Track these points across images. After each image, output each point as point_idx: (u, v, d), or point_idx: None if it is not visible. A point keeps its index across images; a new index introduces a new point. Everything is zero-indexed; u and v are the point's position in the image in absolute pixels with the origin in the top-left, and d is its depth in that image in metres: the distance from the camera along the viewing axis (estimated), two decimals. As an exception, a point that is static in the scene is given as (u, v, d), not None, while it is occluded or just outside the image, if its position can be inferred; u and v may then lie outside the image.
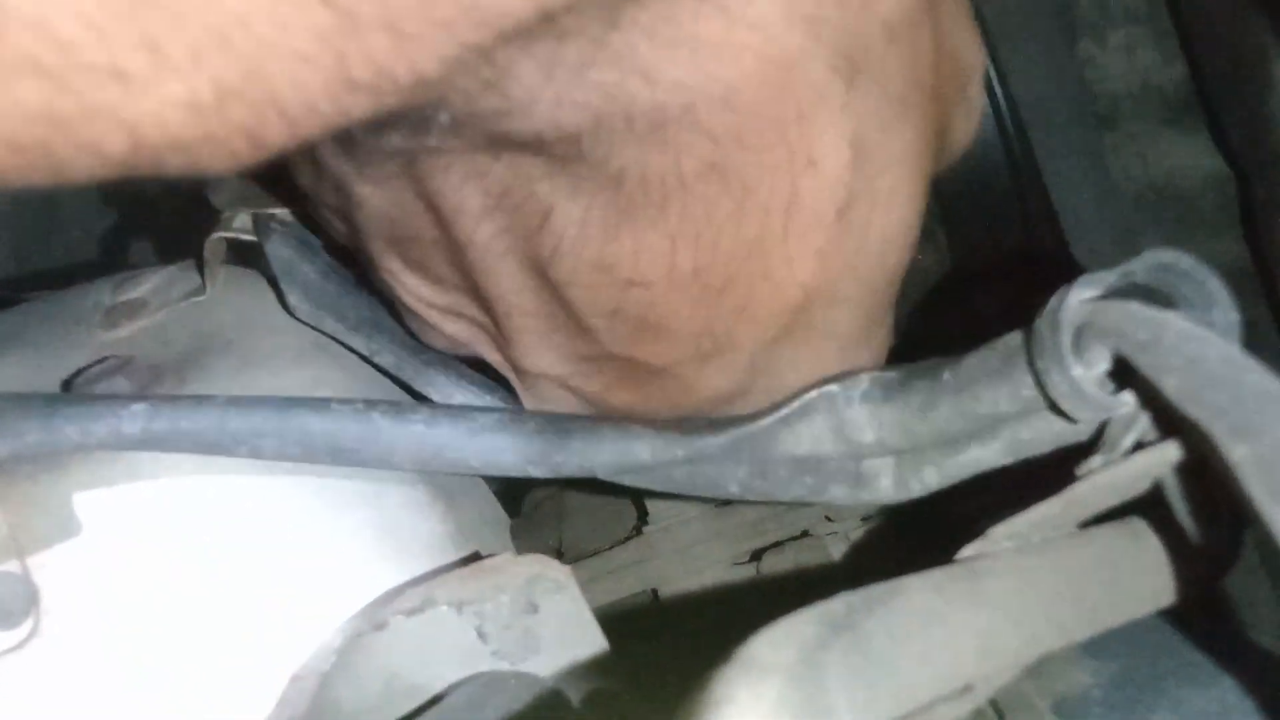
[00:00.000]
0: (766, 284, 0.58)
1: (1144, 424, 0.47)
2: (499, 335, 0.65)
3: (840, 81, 0.53)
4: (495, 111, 0.49)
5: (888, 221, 0.58)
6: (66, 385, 0.67)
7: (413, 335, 0.72)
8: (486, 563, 0.60)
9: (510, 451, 0.62)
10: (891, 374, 0.57)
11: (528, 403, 0.68)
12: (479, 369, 0.72)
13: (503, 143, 0.53)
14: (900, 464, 0.57)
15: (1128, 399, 0.47)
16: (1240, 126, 0.98)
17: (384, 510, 0.66)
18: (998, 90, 0.93)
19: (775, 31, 0.50)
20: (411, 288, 0.66)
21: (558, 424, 0.62)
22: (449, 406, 0.66)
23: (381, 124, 0.50)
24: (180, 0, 0.34)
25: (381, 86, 0.39)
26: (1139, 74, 1.10)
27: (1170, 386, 0.42)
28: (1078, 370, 0.48)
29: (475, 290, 0.63)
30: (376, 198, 0.60)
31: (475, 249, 0.60)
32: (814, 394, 0.58)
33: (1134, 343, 0.44)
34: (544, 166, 0.54)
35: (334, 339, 0.73)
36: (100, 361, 0.69)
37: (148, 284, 0.76)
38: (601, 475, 0.62)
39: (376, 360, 0.72)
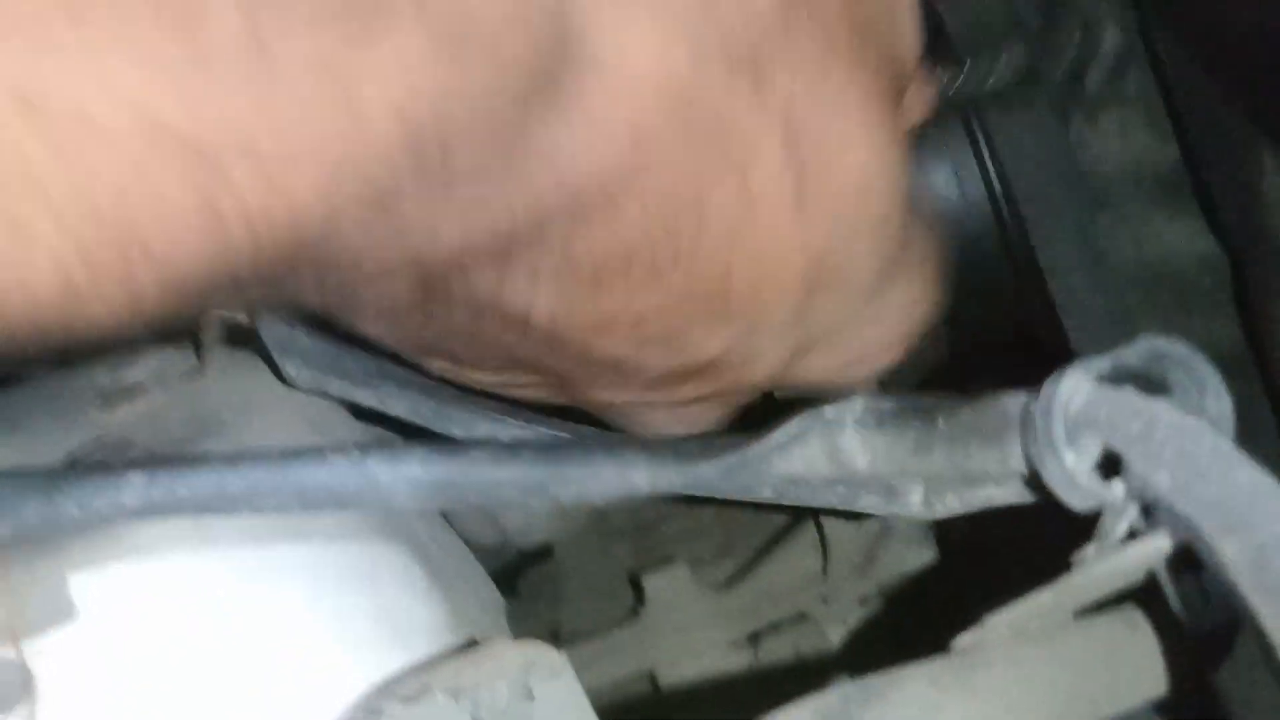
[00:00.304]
0: (762, 265, 0.58)
1: (1135, 513, 0.47)
2: (564, 389, 0.66)
3: (745, 77, 0.53)
4: (399, 233, 0.49)
5: (851, 164, 0.58)
6: (64, 470, 0.67)
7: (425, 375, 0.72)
8: (483, 648, 0.60)
9: (508, 485, 0.63)
10: (886, 403, 0.57)
11: (631, 430, 0.68)
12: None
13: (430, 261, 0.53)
14: (928, 485, 0.57)
15: (1119, 488, 0.48)
16: (1234, 210, 0.98)
17: (380, 594, 0.66)
18: (992, 176, 0.94)
19: (659, 65, 0.50)
20: (469, 379, 0.67)
21: (553, 455, 0.63)
22: (444, 444, 0.66)
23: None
24: (38, 167, 0.34)
25: (258, 226, 0.39)
26: (1132, 155, 1.11)
27: (1162, 480, 0.42)
28: (1070, 459, 0.48)
29: (531, 366, 0.63)
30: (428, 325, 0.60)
31: (501, 349, 0.60)
32: (806, 418, 0.58)
33: (1126, 435, 0.44)
34: (492, 268, 0.54)
35: (342, 400, 0.73)
36: (97, 443, 0.69)
37: (144, 366, 0.76)
38: (599, 503, 0.62)
39: (389, 410, 0.72)
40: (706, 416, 0.67)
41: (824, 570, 0.98)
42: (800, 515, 1.02)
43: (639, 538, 1.13)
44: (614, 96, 0.49)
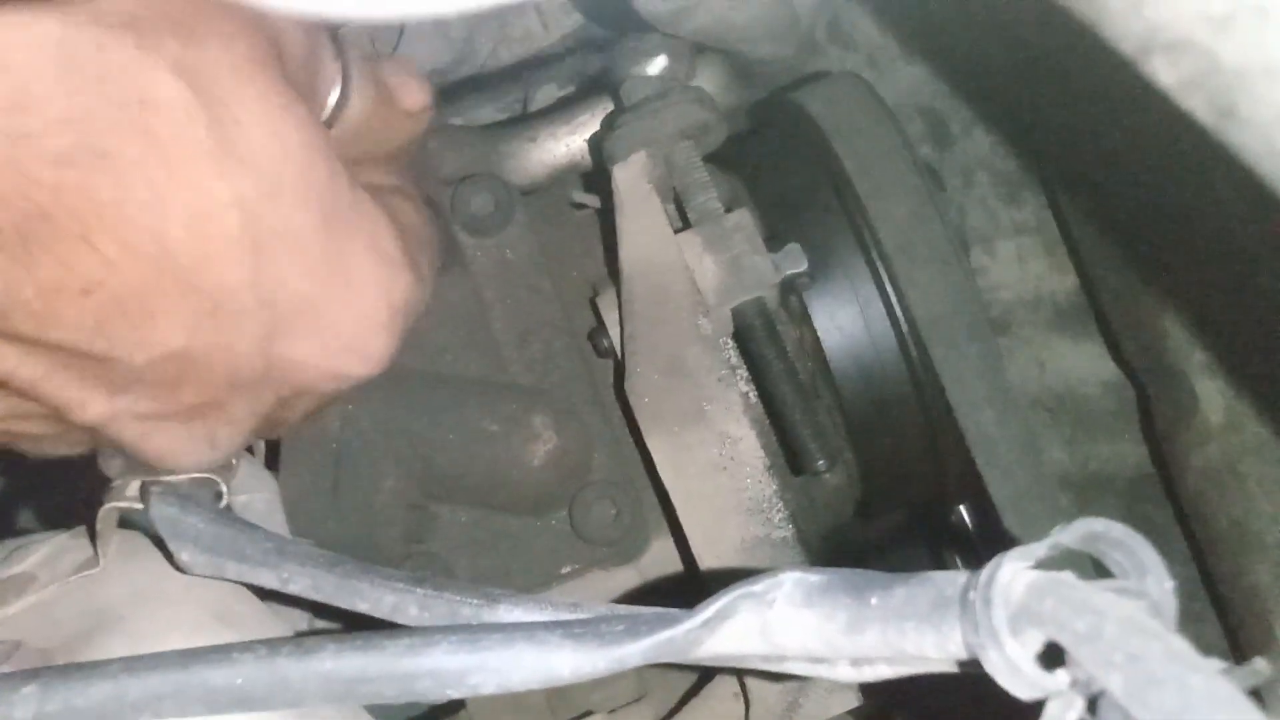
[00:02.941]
0: (196, 222, 0.60)
1: (1081, 707, 0.46)
2: (58, 414, 0.66)
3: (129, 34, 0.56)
4: None
5: (263, 125, 0.61)
6: (-50, 675, 0.63)
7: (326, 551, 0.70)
8: None
9: (426, 677, 0.60)
10: (814, 577, 0.56)
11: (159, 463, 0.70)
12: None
13: None
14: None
15: (1063, 678, 0.46)
16: (1134, 341, 0.99)
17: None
18: (896, 310, 0.94)
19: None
20: None
21: (473, 642, 0.60)
22: (358, 636, 0.63)
23: None
24: None
25: None
26: (1030, 284, 1.12)
27: (1114, 684, 0.41)
28: (1013, 650, 0.47)
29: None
30: None
31: None
32: (734, 595, 0.56)
33: (1073, 633, 0.43)
34: None
35: (240, 582, 0.70)
36: (-13, 649, 0.65)
37: (36, 555, 0.73)
38: (519, 691, 0.60)
39: (290, 589, 0.69)
40: (227, 433, 0.69)
41: (745, 719, 0.96)
42: (719, 661, 1.00)
43: (553, 687, 1.10)
44: None
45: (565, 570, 0.96)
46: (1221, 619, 0.95)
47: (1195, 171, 0.80)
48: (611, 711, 1.04)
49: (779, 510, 0.89)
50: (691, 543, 0.90)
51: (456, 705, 1.09)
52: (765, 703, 0.94)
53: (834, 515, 1.00)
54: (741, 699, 0.96)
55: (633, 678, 1.08)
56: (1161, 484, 1.05)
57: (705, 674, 1.02)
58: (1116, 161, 0.91)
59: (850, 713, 0.96)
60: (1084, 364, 1.10)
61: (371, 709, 0.80)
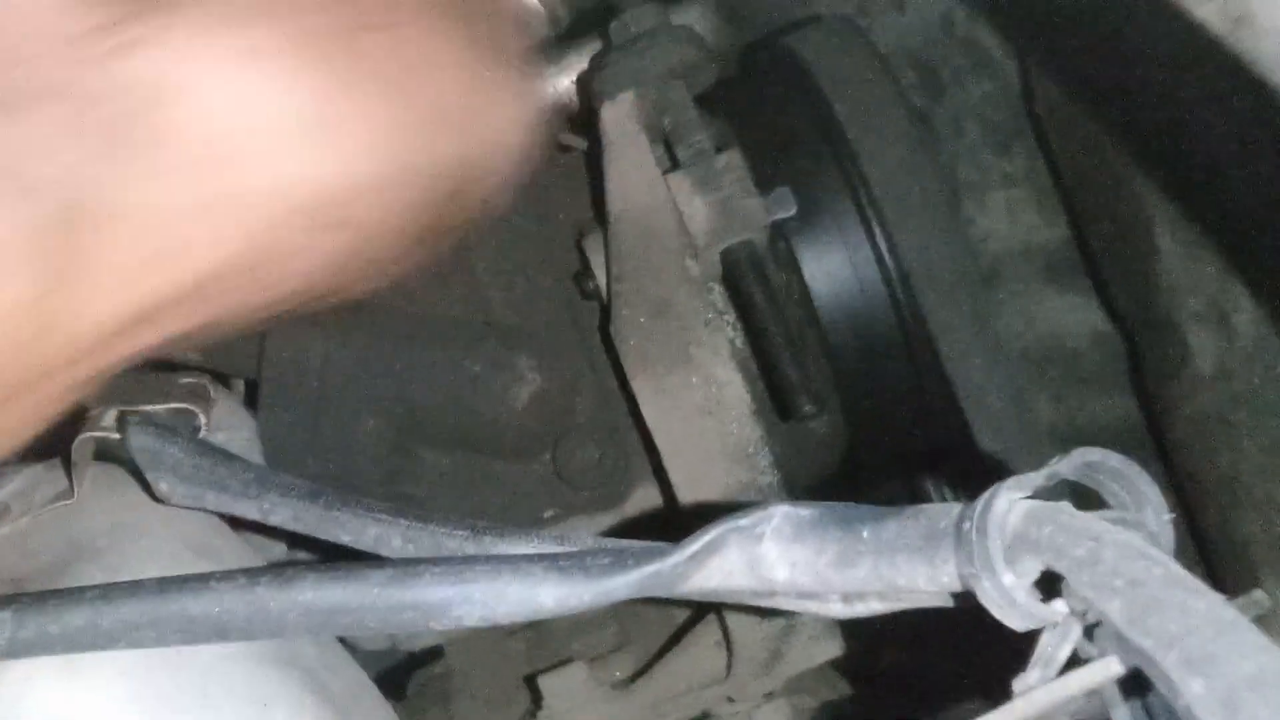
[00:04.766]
0: None
1: (1078, 634, 0.45)
2: None
3: None
4: None
5: None
6: (-80, 606, 0.62)
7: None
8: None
9: (409, 609, 0.59)
10: (804, 511, 0.55)
11: None
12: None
13: None
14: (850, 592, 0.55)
15: (1060, 607, 0.46)
16: (1126, 291, 0.99)
17: (270, 730, 0.62)
18: (885, 256, 0.93)
19: None
20: None
21: (456, 574, 0.59)
22: (339, 567, 0.62)
23: None
24: None
25: None
26: (1020, 234, 1.11)
27: (1113, 610, 0.40)
28: (1009, 579, 0.46)
29: None
30: None
31: None
32: (721, 529, 0.55)
33: (1071, 559, 0.42)
34: None
35: (219, 513, 0.70)
36: (-42, 578, 0.64)
37: (9, 486, 0.72)
38: (504, 624, 0.59)
39: (271, 520, 0.68)
40: None
41: (728, 668, 0.95)
42: (702, 609, 0.99)
43: (532, 634, 1.10)
44: None
45: (548, 514, 0.95)
46: (1209, 572, 0.95)
47: (1204, 84, 0.78)
48: (592, 660, 1.04)
49: (765, 456, 0.88)
50: (675, 488, 0.89)
51: (435, 653, 1.08)
52: (748, 651, 0.93)
53: (820, 464, 0.99)
54: (724, 647, 0.95)
55: (614, 626, 1.07)
56: (1150, 437, 1.04)
57: (687, 622, 1.01)
58: (1122, 79, 0.90)
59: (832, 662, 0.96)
60: (1073, 316, 1.10)
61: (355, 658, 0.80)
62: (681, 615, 1.03)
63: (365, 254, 0.60)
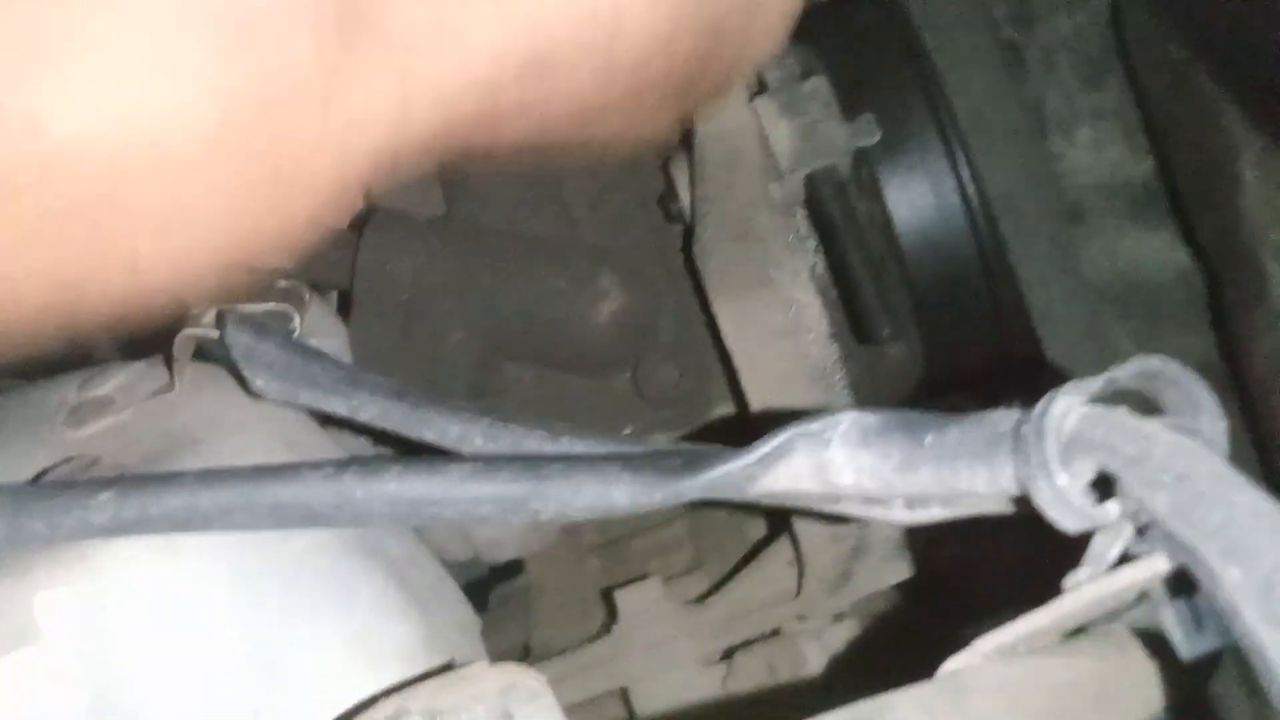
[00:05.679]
0: None
1: (1130, 535, 0.47)
2: None
3: None
4: None
5: None
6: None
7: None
8: (461, 672, 0.59)
9: (487, 502, 0.61)
10: (871, 418, 0.56)
11: None
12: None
13: None
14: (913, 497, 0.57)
15: (1113, 509, 0.47)
16: (1209, 224, 0.99)
17: (354, 617, 0.65)
18: (968, 186, 0.94)
19: None
20: None
21: (534, 470, 0.61)
22: (422, 460, 0.64)
23: None
24: None
25: None
26: (1107, 170, 1.11)
27: (1160, 504, 0.41)
28: (1063, 480, 0.47)
29: None
30: None
31: None
32: (791, 433, 0.57)
33: (1123, 457, 0.44)
34: None
35: (312, 409, 0.72)
36: (66, 461, 0.67)
37: (114, 381, 0.75)
38: (579, 520, 0.61)
39: (360, 417, 0.70)
40: None
41: (799, 587, 0.97)
42: (775, 530, 1.01)
43: (610, 552, 1.12)
44: None
45: (627, 431, 0.97)
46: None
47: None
48: (668, 578, 1.06)
49: (840, 378, 0.89)
50: (752, 407, 0.91)
51: (516, 567, 1.11)
52: (819, 570, 0.95)
53: (895, 390, 1.01)
54: (795, 567, 0.97)
55: (689, 547, 1.10)
56: (1228, 377, 1.04)
57: (760, 543, 1.03)
58: (1212, 9, 0.89)
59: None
60: (1156, 252, 1.10)
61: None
62: (755, 535, 1.05)
63: (633, 86, 0.57)
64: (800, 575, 0.97)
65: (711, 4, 0.59)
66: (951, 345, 1.00)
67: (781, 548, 0.99)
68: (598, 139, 0.62)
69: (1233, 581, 0.38)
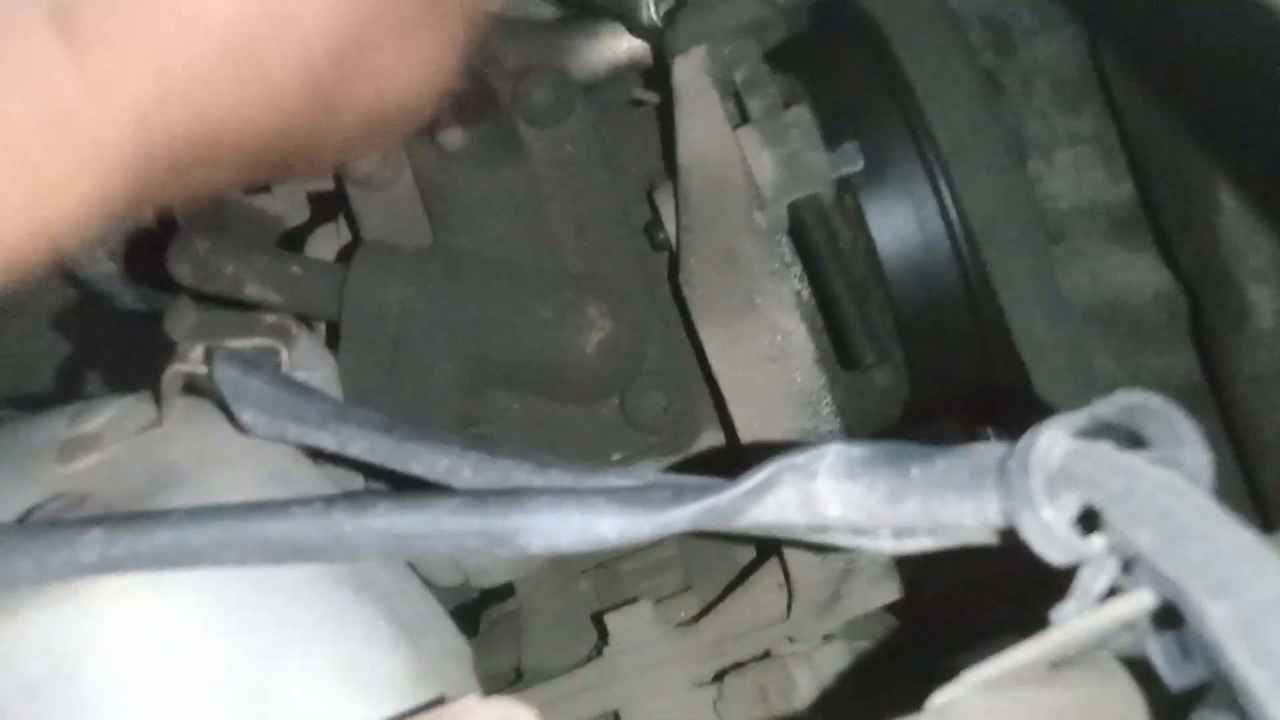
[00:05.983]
0: None
1: (1115, 569, 0.47)
2: None
3: None
4: None
5: None
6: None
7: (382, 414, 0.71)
8: (452, 707, 0.59)
9: (475, 536, 0.62)
10: (857, 450, 0.57)
11: None
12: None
13: None
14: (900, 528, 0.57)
15: (1099, 543, 0.47)
16: (1189, 247, 0.99)
17: (345, 649, 0.65)
18: (950, 211, 0.94)
19: None
20: None
21: (522, 504, 0.62)
22: (410, 495, 0.65)
23: None
24: None
25: None
26: (1087, 193, 1.12)
27: (1144, 540, 0.42)
28: (1048, 514, 0.48)
29: None
30: None
31: None
32: (778, 465, 0.58)
33: (1107, 492, 0.44)
34: None
35: (300, 444, 0.73)
36: (55, 499, 0.68)
37: (103, 416, 0.75)
38: (567, 554, 0.61)
39: (348, 451, 0.71)
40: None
41: (789, 609, 0.98)
42: (764, 553, 1.01)
43: (600, 575, 1.12)
44: None
45: (615, 458, 0.97)
46: (1266, 528, 0.95)
47: (1268, 41, 0.78)
48: (658, 600, 1.06)
49: (827, 403, 0.90)
50: (740, 433, 0.91)
51: (506, 591, 1.11)
52: (808, 592, 0.96)
53: (882, 414, 1.01)
54: (785, 589, 0.98)
55: (679, 569, 1.10)
56: (1211, 396, 1.05)
57: (750, 566, 1.03)
58: (1186, 36, 0.90)
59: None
60: (1138, 274, 1.11)
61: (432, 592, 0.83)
62: (744, 559, 1.05)
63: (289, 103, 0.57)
64: (790, 599, 0.97)
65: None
66: (936, 369, 1.00)
67: (771, 570, 0.99)
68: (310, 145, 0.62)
69: (1218, 618, 0.38)
